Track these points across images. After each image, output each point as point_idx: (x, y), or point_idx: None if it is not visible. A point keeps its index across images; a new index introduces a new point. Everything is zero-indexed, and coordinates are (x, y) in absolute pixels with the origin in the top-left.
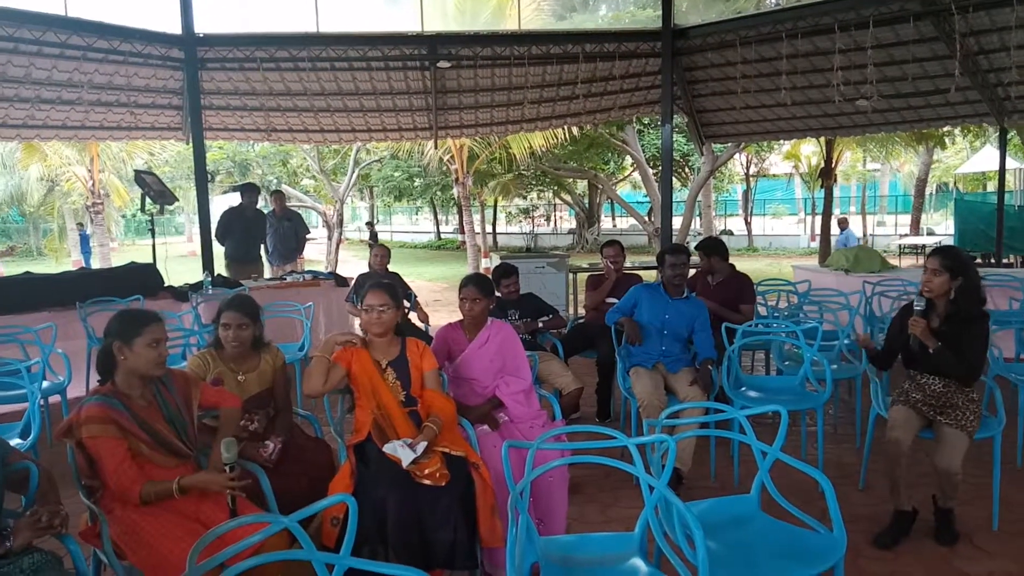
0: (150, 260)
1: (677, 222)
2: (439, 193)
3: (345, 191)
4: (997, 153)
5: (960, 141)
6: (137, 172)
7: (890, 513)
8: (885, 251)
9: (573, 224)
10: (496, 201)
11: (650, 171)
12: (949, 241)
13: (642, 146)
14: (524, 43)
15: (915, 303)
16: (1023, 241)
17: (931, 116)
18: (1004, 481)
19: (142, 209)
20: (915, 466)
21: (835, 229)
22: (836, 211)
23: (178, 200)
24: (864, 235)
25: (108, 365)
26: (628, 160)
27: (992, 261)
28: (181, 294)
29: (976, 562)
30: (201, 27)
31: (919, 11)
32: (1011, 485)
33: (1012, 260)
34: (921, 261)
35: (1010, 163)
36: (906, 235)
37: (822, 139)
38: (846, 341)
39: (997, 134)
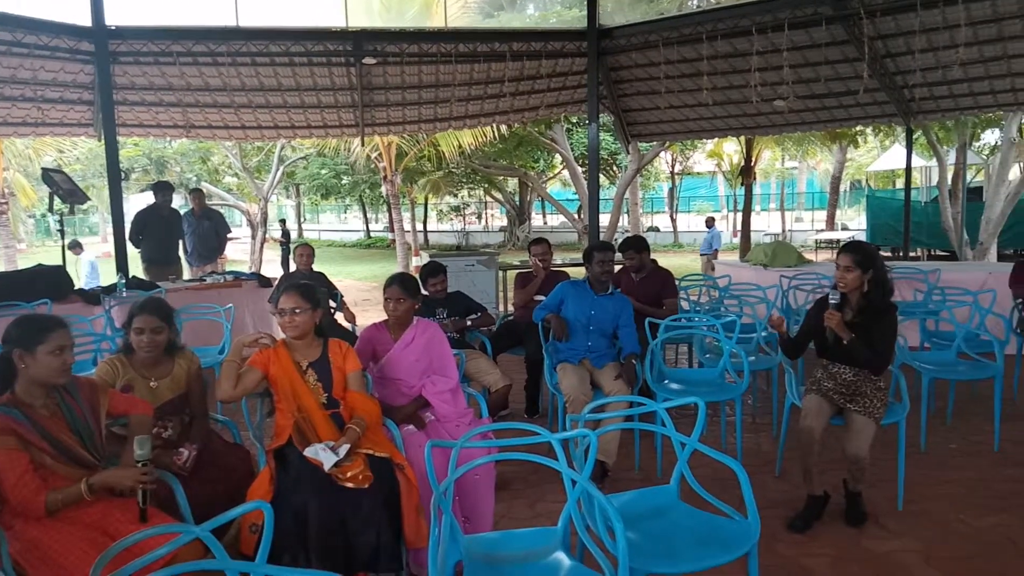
0: (59, 262)
1: (605, 219)
2: (368, 191)
3: (269, 189)
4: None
5: (871, 140)
6: (44, 170)
7: (804, 498)
8: (803, 246)
9: (504, 222)
10: (427, 199)
11: (579, 169)
12: (862, 236)
13: (571, 144)
14: (451, 40)
15: (831, 297)
16: (929, 235)
17: (843, 116)
18: (908, 464)
19: (50, 209)
20: (827, 452)
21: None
22: (756, 208)
23: (90, 199)
24: (783, 231)
25: (7, 374)
26: (558, 158)
27: (901, 255)
28: (92, 297)
29: (883, 541)
30: (113, 19)
31: (831, 15)
32: (914, 468)
33: (919, 253)
34: (836, 255)
35: (917, 161)
36: (822, 230)
37: (742, 138)
38: (763, 334)
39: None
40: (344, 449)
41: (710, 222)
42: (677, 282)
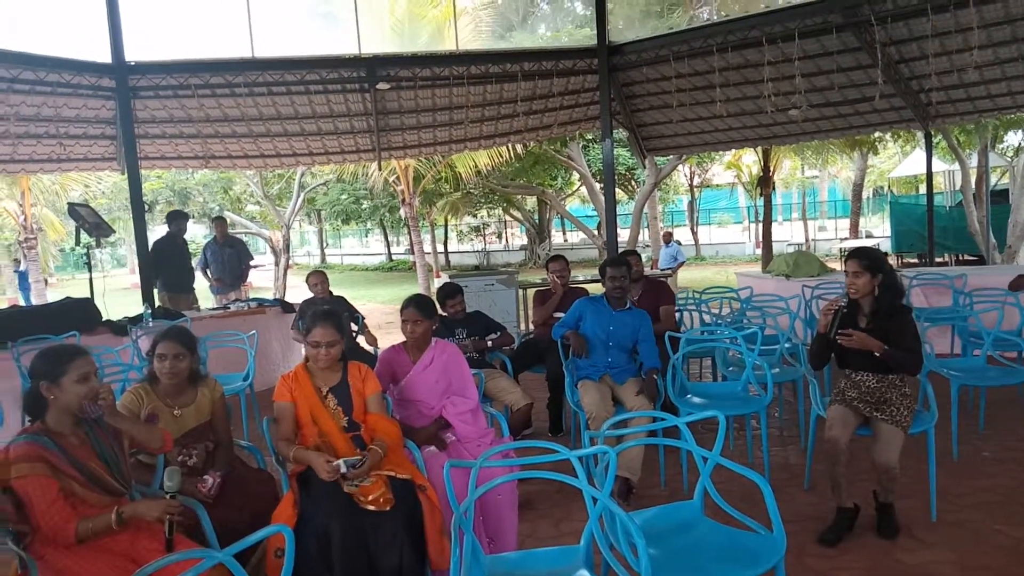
0: (87, 294)
1: (625, 235)
2: (388, 215)
3: (291, 216)
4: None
5: (892, 146)
6: (70, 205)
7: (833, 511)
8: (827, 255)
9: (525, 240)
10: (446, 220)
11: (596, 185)
12: (887, 243)
13: (588, 161)
14: (463, 63)
15: (840, 302)
16: (956, 240)
17: (859, 123)
18: (941, 474)
19: (77, 242)
20: (855, 463)
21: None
22: (778, 218)
23: (115, 232)
24: (806, 240)
25: (37, 406)
26: (575, 175)
27: (927, 260)
28: (120, 328)
29: (916, 553)
30: (132, 55)
31: (841, 23)
32: (947, 477)
33: (947, 259)
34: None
35: (939, 165)
36: (846, 239)
37: (760, 149)
38: (786, 345)
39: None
40: (358, 461)
41: (667, 237)
42: (697, 294)
